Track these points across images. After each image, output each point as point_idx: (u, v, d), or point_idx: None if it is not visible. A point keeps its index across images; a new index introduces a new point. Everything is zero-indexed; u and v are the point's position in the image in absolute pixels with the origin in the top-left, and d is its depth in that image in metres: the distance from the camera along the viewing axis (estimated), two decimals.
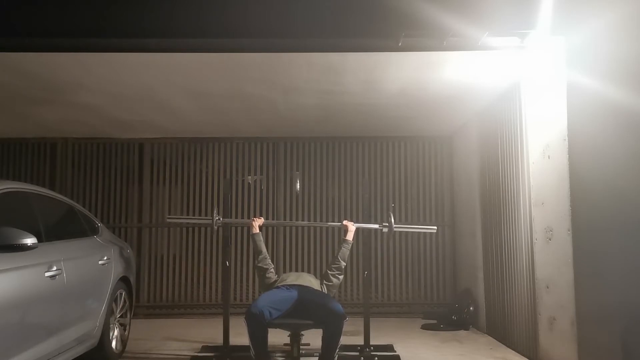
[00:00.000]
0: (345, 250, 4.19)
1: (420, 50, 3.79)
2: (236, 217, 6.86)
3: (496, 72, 4.50)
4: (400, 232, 6.94)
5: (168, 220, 4.91)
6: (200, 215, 6.91)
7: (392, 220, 4.25)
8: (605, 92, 3.38)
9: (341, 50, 3.91)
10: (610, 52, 3.37)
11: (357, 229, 4.44)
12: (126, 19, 3.51)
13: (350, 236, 4.26)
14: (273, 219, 6.95)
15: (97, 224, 4.58)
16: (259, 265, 4.21)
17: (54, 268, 3.26)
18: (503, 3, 3.46)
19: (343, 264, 4.16)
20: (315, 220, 6.94)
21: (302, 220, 6.95)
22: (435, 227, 4.67)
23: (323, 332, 3.76)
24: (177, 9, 3.53)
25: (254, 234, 4.26)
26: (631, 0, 3.16)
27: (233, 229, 6.81)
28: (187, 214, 6.95)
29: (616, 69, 3.32)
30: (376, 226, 4.46)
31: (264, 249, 4.22)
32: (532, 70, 4.34)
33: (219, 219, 4.34)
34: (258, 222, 4.29)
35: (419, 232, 6.96)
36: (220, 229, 5.80)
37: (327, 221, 6.90)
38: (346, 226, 4.31)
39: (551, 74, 3.98)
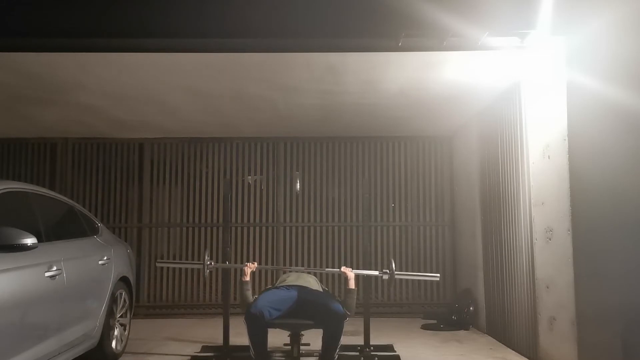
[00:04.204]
0: (351, 301, 3.92)
1: (420, 50, 3.78)
2: (236, 218, 6.87)
3: (496, 72, 4.50)
4: (400, 230, 6.97)
5: (158, 264, 4.93)
6: (200, 213, 6.92)
7: (393, 267, 4.03)
8: (605, 92, 3.39)
9: (341, 50, 3.90)
10: (610, 52, 3.37)
11: (358, 276, 4.22)
12: (126, 19, 3.50)
13: (352, 284, 3.99)
14: (273, 220, 6.95)
15: (97, 224, 4.59)
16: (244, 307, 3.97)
17: (54, 268, 3.26)
18: (503, 3, 3.46)
19: (352, 313, 3.91)
20: (315, 220, 6.94)
21: (303, 221, 6.94)
22: (439, 275, 4.44)
23: (323, 332, 3.76)
24: (177, 9, 3.53)
25: (243, 282, 4.00)
26: (631, 0, 3.16)
27: (233, 229, 6.82)
28: (187, 215, 6.96)
29: (616, 69, 3.32)
30: (376, 273, 4.17)
31: (250, 299, 3.95)
32: (532, 70, 4.34)
33: (210, 264, 4.14)
34: (251, 268, 4.04)
35: (419, 231, 6.98)
36: (220, 228, 5.86)
37: (327, 221, 6.91)
38: (345, 274, 4.04)
39: (551, 74, 3.98)
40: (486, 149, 5.60)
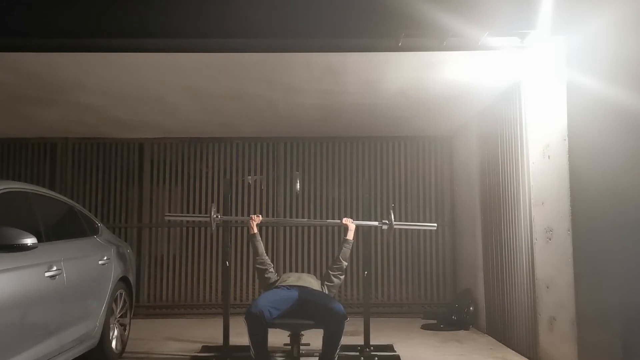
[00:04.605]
0: (347, 250, 4.19)
1: (420, 50, 3.78)
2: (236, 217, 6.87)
3: (496, 72, 4.50)
4: (400, 231, 6.96)
5: (166, 217, 4.91)
6: (200, 213, 6.90)
7: (392, 218, 4.24)
8: (605, 92, 3.39)
9: (341, 50, 3.91)
10: (610, 52, 3.38)
11: (358, 227, 4.44)
12: (126, 19, 3.50)
13: (350, 235, 4.25)
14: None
15: (97, 224, 4.58)
16: (258, 266, 4.24)
17: (54, 268, 3.26)
18: (503, 3, 3.46)
19: (345, 264, 4.17)
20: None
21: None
22: (435, 224, 4.65)
23: (323, 333, 3.76)
24: (177, 9, 3.53)
25: (251, 235, 4.28)
26: (631, 0, 3.16)
27: (233, 229, 6.82)
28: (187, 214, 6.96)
29: (616, 69, 3.32)
30: (376, 223, 4.44)
31: (261, 250, 4.24)
32: (532, 70, 4.34)
33: (217, 217, 4.33)
34: (256, 221, 4.28)
35: (419, 232, 6.96)
36: (220, 228, 5.83)
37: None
38: (346, 225, 4.30)
39: (551, 74, 3.98)
40: (486, 149, 5.60)
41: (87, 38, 3.55)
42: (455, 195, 6.91)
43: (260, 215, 4.41)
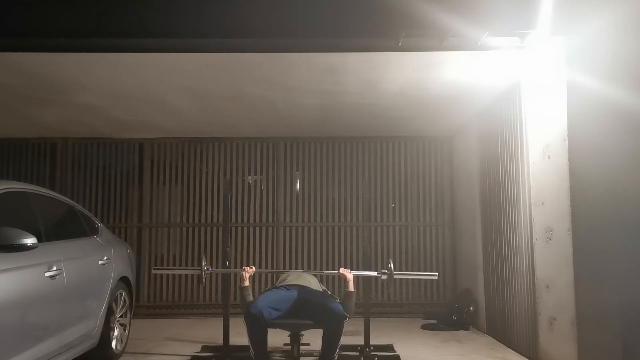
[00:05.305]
0: (350, 303, 3.86)
1: (420, 50, 3.78)
2: (236, 218, 6.87)
3: (496, 72, 4.50)
4: (400, 231, 6.97)
5: (154, 271, 4.77)
6: (200, 213, 6.92)
7: (392, 267, 3.98)
8: (605, 92, 3.38)
9: (341, 50, 3.90)
10: (610, 52, 3.37)
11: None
12: (126, 19, 3.50)
13: (351, 286, 3.93)
14: (273, 220, 6.95)
15: (97, 224, 4.59)
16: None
17: (54, 268, 3.26)
18: (503, 3, 3.46)
19: (351, 315, 3.85)
20: (314, 220, 6.94)
21: (303, 221, 6.95)
22: (437, 274, 4.37)
23: (323, 332, 3.76)
24: (177, 9, 3.53)
25: (242, 288, 3.97)
26: (631, 0, 3.16)
27: (233, 229, 6.82)
28: (187, 215, 6.96)
29: (616, 69, 3.32)
30: (375, 274, 4.19)
31: (250, 300, 3.92)
32: (532, 70, 4.34)
33: (208, 270, 4.10)
34: (249, 272, 4.01)
35: (419, 231, 6.97)
36: (220, 229, 5.85)
37: (327, 221, 6.91)
38: (343, 275, 4.00)
39: (551, 74, 3.98)
40: (486, 149, 5.60)
41: (87, 38, 3.55)
42: (455, 195, 6.91)
43: (254, 267, 4.13)
